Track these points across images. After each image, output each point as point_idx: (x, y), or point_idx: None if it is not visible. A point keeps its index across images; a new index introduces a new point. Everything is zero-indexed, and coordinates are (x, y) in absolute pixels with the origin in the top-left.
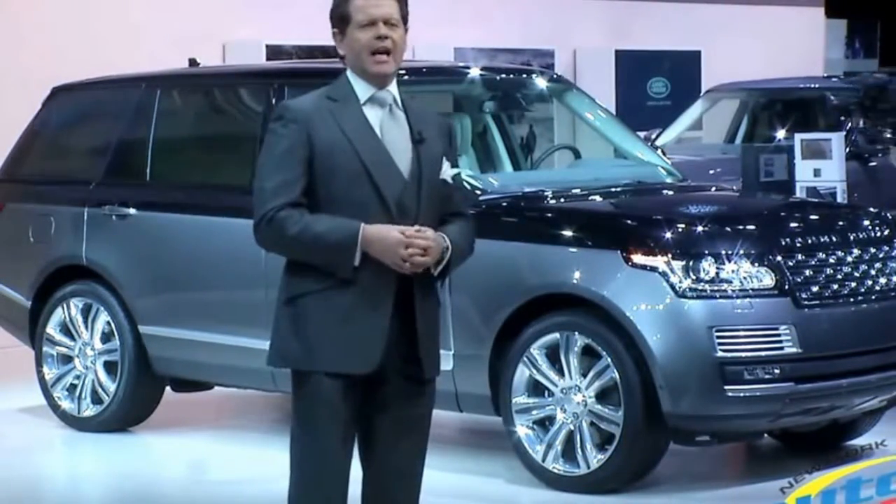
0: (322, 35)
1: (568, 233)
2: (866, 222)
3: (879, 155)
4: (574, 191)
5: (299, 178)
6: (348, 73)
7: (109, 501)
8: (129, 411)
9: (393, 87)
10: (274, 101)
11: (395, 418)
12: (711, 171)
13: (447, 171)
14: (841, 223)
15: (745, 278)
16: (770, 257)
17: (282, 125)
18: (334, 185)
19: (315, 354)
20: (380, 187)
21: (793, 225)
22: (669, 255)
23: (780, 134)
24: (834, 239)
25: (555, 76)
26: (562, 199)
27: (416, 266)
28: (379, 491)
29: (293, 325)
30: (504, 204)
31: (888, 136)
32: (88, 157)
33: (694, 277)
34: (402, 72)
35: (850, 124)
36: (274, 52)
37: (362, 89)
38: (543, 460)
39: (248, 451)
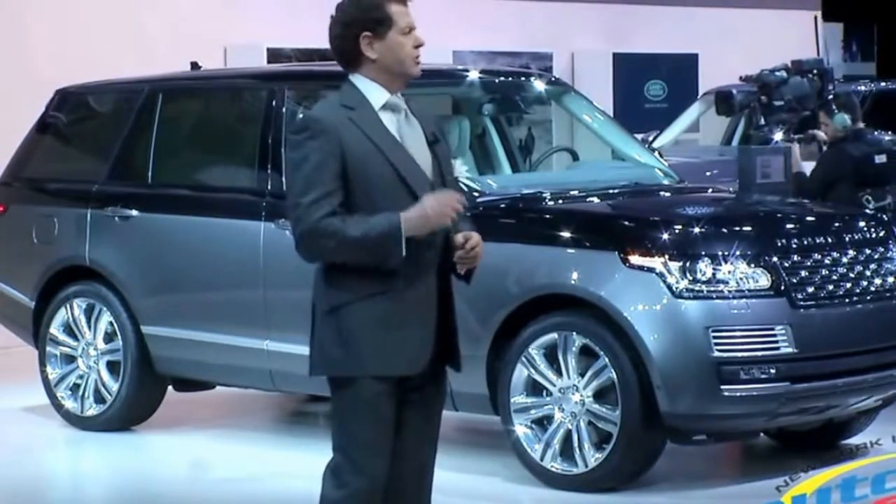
0: (321, 39)
1: (566, 234)
2: (861, 224)
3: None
4: (572, 192)
5: (337, 190)
6: (357, 79)
7: (112, 500)
8: (132, 411)
9: (399, 93)
10: (274, 103)
11: (418, 412)
12: (708, 173)
13: (458, 168)
14: (836, 224)
15: (741, 279)
16: (766, 258)
17: (308, 137)
18: (371, 194)
19: (362, 360)
20: (416, 192)
21: (789, 226)
22: (666, 256)
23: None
24: (829, 240)
25: (553, 79)
26: (560, 201)
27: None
28: (398, 482)
29: (337, 333)
30: (503, 205)
31: (778, 130)
32: (91, 160)
33: (691, 278)
34: None
35: (752, 120)
36: (274, 55)
37: (376, 95)
38: (542, 459)
39: (249, 449)
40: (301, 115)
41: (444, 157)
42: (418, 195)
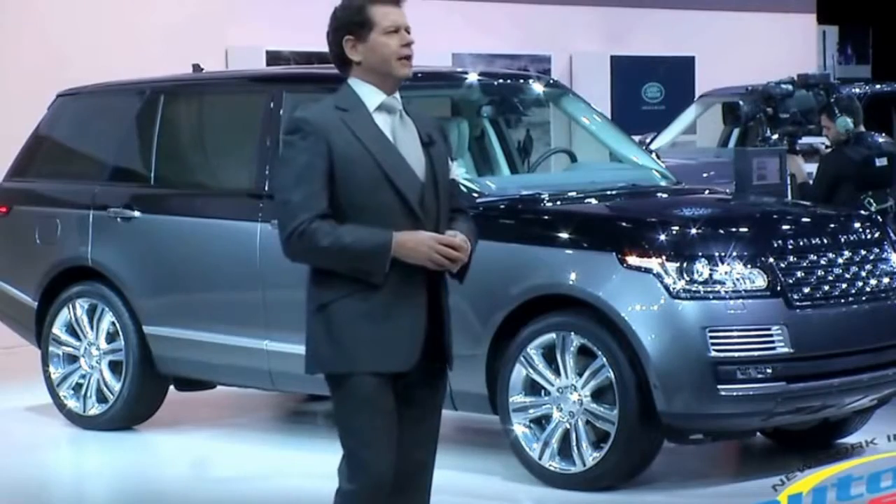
0: (319, 41)
1: (564, 235)
2: (857, 225)
3: None
4: (570, 194)
5: (323, 189)
6: (352, 81)
7: (114, 498)
8: (134, 410)
9: (397, 94)
10: (273, 105)
11: (416, 409)
12: (705, 175)
13: (455, 171)
14: (832, 226)
15: (737, 280)
16: (762, 259)
17: (300, 138)
18: (356, 193)
19: (353, 356)
20: (402, 192)
21: (785, 227)
22: (664, 257)
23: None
24: (825, 241)
25: (551, 81)
26: (558, 202)
27: (446, 265)
28: (397, 479)
29: (327, 331)
30: (501, 206)
31: (782, 143)
32: (93, 161)
33: (688, 279)
34: None
35: (759, 130)
36: (273, 57)
37: (371, 97)
38: (540, 458)
39: (249, 448)
40: (293, 116)
41: (439, 159)
42: (405, 195)
